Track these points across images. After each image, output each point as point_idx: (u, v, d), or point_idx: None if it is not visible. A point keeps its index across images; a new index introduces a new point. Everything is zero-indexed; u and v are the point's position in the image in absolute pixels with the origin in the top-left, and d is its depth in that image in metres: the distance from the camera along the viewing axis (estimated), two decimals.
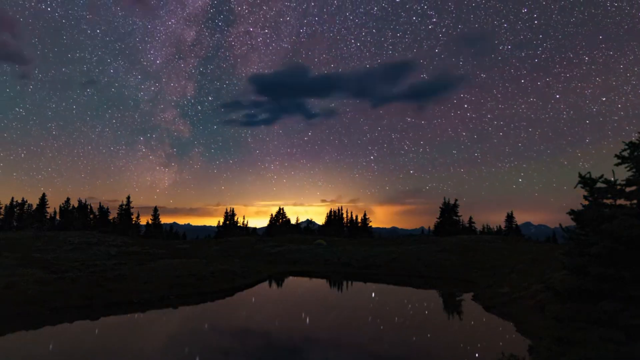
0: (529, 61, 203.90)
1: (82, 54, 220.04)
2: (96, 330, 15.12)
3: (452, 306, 22.11)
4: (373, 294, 26.48)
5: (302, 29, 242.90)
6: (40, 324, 15.06)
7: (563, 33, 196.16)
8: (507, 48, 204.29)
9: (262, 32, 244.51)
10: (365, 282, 30.71)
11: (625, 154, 7.41)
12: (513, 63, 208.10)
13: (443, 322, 17.79)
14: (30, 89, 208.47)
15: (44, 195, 66.40)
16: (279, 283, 29.48)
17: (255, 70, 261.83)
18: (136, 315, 17.76)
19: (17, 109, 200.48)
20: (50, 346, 12.87)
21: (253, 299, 22.82)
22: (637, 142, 7.34)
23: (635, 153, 7.24)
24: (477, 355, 12.61)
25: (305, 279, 31.94)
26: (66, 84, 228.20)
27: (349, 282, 30.50)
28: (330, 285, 29.77)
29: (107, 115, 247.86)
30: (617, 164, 7.51)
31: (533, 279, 21.00)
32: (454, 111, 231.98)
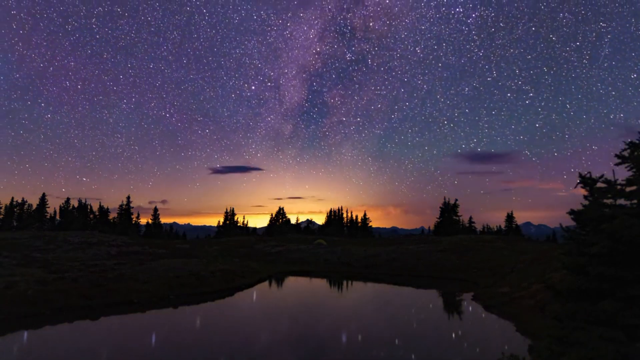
0: None
1: (193, 152, 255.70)
2: (96, 331, 15.12)
3: (452, 306, 22.11)
4: (373, 294, 26.48)
5: (394, 115, 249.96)
6: (40, 324, 15.06)
7: None
8: (620, 116, 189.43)
9: (354, 120, 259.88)
10: (365, 282, 30.72)
11: (626, 154, 7.40)
12: (625, 133, 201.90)
13: (443, 322, 17.78)
14: (150, 184, 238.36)
15: (44, 195, 66.47)
16: (279, 283, 29.48)
17: (349, 157, 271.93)
18: (136, 315, 17.75)
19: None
20: (50, 346, 12.87)
21: (253, 299, 22.82)
22: (637, 142, 7.33)
23: (636, 153, 7.23)
24: (477, 354, 12.60)
25: (306, 279, 31.94)
26: (180, 180, 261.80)
27: (349, 282, 30.50)
28: (330, 285, 29.78)
29: None
30: (617, 164, 7.50)
31: (533, 279, 20.99)
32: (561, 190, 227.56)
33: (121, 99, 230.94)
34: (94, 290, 19.24)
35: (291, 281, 31.00)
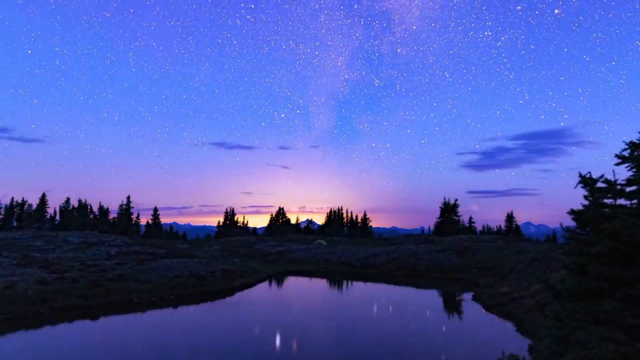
0: None
1: (225, 179, 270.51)
2: (96, 330, 15.12)
3: (453, 306, 22.11)
4: (373, 294, 26.47)
5: (424, 140, 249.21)
6: (40, 324, 15.06)
7: None
8: None
9: (384, 145, 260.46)
10: (365, 282, 30.70)
11: (626, 153, 7.40)
12: None
13: (443, 322, 17.78)
14: (184, 212, 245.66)
15: (44, 195, 66.41)
16: (279, 283, 29.48)
17: (379, 182, 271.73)
18: (136, 315, 17.75)
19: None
20: (50, 346, 12.87)
21: (253, 299, 22.82)
22: (637, 142, 7.32)
23: (636, 153, 7.22)
24: (477, 355, 12.60)
25: (306, 279, 31.94)
26: (212, 208, 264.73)
27: (349, 282, 30.50)
28: (330, 285, 29.77)
29: None
30: (618, 164, 7.50)
31: (533, 279, 20.98)
32: None
33: (155, 129, 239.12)
34: (94, 290, 19.24)
35: (291, 281, 31.00)
